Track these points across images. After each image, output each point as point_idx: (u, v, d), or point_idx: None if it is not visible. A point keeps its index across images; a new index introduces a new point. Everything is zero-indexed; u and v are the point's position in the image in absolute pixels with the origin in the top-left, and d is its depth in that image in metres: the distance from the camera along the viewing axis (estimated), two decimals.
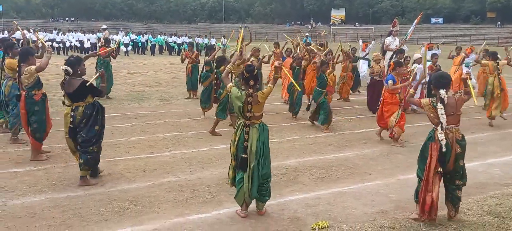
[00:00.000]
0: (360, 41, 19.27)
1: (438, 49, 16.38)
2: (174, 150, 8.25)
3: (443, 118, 5.01)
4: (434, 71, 12.94)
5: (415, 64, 12.33)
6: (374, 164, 7.65)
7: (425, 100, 5.27)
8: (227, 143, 8.41)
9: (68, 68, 6.04)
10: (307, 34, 38.77)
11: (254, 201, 5.41)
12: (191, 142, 8.87)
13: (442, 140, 5.00)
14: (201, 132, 9.69)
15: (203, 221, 5.24)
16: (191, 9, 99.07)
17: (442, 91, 5.04)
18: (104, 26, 27.61)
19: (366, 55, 16.24)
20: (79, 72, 6.14)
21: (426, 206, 5.09)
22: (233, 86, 5.33)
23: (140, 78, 19.13)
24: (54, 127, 8.63)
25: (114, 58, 14.19)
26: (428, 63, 13.38)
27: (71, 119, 6.09)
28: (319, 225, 5.14)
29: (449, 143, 5.07)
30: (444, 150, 5.01)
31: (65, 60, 6.22)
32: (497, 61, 11.36)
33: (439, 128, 5.05)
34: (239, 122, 5.36)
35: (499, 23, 75.35)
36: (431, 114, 5.18)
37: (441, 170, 5.12)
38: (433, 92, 5.29)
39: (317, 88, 10.12)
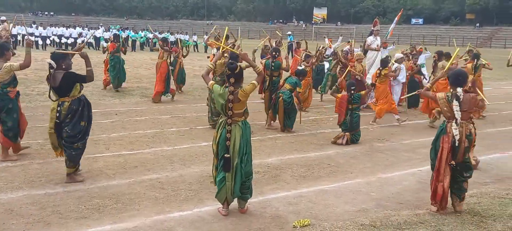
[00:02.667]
0: (326, 39, 19.34)
1: (427, 51, 16.53)
2: (155, 147, 8.18)
3: (458, 114, 5.27)
4: (413, 71, 13.13)
5: (396, 64, 12.43)
6: (355, 163, 7.69)
7: (441, 95, 5.51)
8: (209, 140, 8.40)
9: (52, 62, 5.94)
10: (289, 32, 38.86)
11: (235, 199, 5.38)
12: (172, 139, 8.80)
13: (456, 135, 5.28)
14: (183, 129, 9.62)
15: (184, 218, 5.20)
16: (173, 6, 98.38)
17: (459, 89, 5.31)
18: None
19: (332, 52, 16.38)
20: (63, 66, 6.02)
21: (438, 195, 5.46)
22: (214, 83, 5.30)
23: None
24: (32, 122, 8.49)
25: (124, 53, 14.81)
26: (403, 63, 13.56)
27: (57, 114, 5.99)
28: (300, 223, 5.14)
29: (461, 137, 5.34)
30: (457, 144, 5.30)
31: (51, 53, 6.11)
32: (478, 62, 11.53)
33: (453, 123, 5.31)
34: (220, 120, 5.32)
35: (478, 24, 76.61)
36: (445, 108, 5.43)
37: (454, 162, 5.39)
38: (450, 88, 5.49)
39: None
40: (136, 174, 6.66)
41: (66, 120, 5.99)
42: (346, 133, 8.84)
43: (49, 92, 6.09)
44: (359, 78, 11.83)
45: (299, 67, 10.50)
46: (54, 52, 6.17)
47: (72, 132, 6.00)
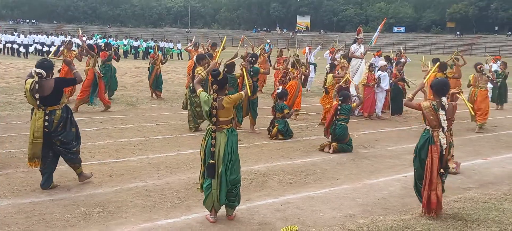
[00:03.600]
0: (307, 48, 19.52)
1: (407, 58, 16.80)
2: (141, 154, 8.14)
3: (445, 123, 5.41)
4: (397, 79, 13.30)
5: (379, 71, 12.59)
6: (341, 169, 7.76)
7: (426, 104, 5.59)
8: (195, 148, 8.43)
9: (42, 71, 5.89)
10: (268, 40, 39.08)
11: (223, 206, 5.39)
12: (158, 146, 8.77)
13: (444, 143, 5.42)
14: (168, 136, 9.60)
15: (172, 226, 5.19)
16: (156, 13, 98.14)
17: (444, 99, 5.46)
18: None
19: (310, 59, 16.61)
20: (50, 76, 6.01)
21: (432, 204, 5.54)
22: (202, 91, 5.32)
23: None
24: (15, 131, 8.40)
25: (117, 61, 15.08)
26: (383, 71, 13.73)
27: (46, 123, 5.92)
28: (288, 229, 5.16)
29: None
30: (444, 152, 5.45)
31: (38, 62, 6.06)
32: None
33: (441, 132, 5.44)
34: (208, 127, 5.33)
35: (458, 32, 77.96)
36: (431, 117, 5.51)
37: (443, 171, 5.53)
38: (433, 97, 5.63)
39: None
40: (123, 182, 6.62)
41: (58, 129, 5.97)
42: (332, 143, 8.85)
43: (34, 102, 6.00)
44: (344, 86, 11.96)
45: (278, 90, 10.50)
46: (43, 60, 6.13)
47: (66, 139, 6.03)
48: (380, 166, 8.08)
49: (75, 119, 6.40)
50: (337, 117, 8.91)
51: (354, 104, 9.58)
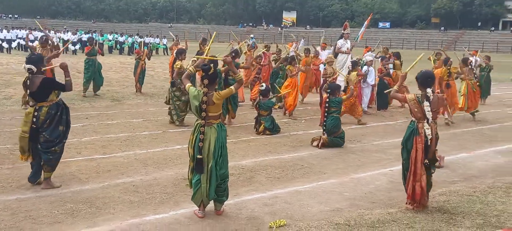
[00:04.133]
0: (294, 43, 19.57)
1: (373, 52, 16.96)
2: (128, 150, 8.10)
3: (429, 114, 5.47)
4: (383, 74, 13.40)
5: (365, 67, 12.67)
6: (328, 163, 7.81)
7: (411, 96, 5.68)
8: (183, 143, 8.42)
9: (32, 66, 5.82)
10: (252, 35, 39.11)
11: (212, 201, 5.40)
12: (145, 142, 8.73)
13: (429, 134, 5.48)
14: (155, 132, 9.56)
15: (160, 221, 5.18)
16: (142, 8, 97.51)
17: (429, 90, 5.52)
18: None
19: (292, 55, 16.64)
20: (42, 70, 5.95)
21: (416, 195, 5.61)
22: (190, 86, 5.30)
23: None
24: (0, 127, 8.29)
25: (102, 54, 14.78)
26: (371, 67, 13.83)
27: (34, 119, 5.86)
28: (276, 223, 5.19)
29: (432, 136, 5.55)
30: (429, 143, 5.51)
31: (27, 57, 5.98)
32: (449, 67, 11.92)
33: (425, 123, 5.49)
34: (196, 123, 5.31)
35: (442, 28, 78.74)
36: (415, 109, 5.59)
37: (427, 161, 5.57)
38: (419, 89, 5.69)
39: None
40: (110, 177, 6.59)
41: (44, 125, 5.89)
42: (323, 137, 8.84)
43: (27, 98, 5.96)
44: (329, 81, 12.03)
45: (261, 87, 10.52)
46: (31, 54, 6.07)
47: (50, 137, 5.91)
48: (366, 160, 8.15)
49: None
50: (327, 110, 8.94)
51: (344, 97, 9.58)
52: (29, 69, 5.82)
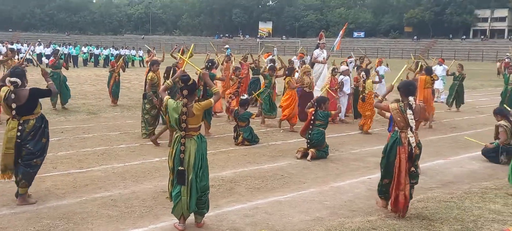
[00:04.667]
0: (274, 50, 19.70)
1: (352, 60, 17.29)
2: (105, 164, 7.99)
3: (412, 122, 5.51)
4: (359, 83, 13.53)
5: (341, 76, 12.80)
6: (307, 173, 7.83)
7: (394, 105, 5.71)
8: (161, 156, 8.35)
9: (17, 79, 5.71)
10: (227, 46, 39.26)
11: (192, 214, 5.35)
12: (122, 155, 8.63)
13: (413, 142, 5.51)
14: (133, 145, 9.46)
15: None
16: (116, 20, 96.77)
17: (411, 98, 5.57)
18: None
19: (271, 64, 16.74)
20: (25, 84, 5.85)
21: (400, 203, 5.64)
22: (169, 98, 5.27)
23: None
24: None
25: (66, 69, 14.87)
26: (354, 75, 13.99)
27: (18, 133, 5.74)
28: None
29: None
30: (414, 151, 5.55)
31: (11, 70, 5.86)
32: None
33: (408, 131, 5.54)
34: (176, 135, 5.27)
35: (415, 37, 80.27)
36: (398, 118, 5.63)
37: (414, 169, 5.62)
38: (401, 98, 5.73)
39: None
40: (87, 192, 6.48)
41: (28, 138, 5.79)
42: (311, 149, 8.71)
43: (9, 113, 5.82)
44: (308, 91, 12.12)
45: (242, 97, 10.55)
46: (15, 68, 5.96)
47: (34, 149, 5.82)
48: (345, 168, 8.21)
49: None
50: (313, 122, 8.81)
51: (333, 112, 9.58)
52: (14, 82, 5.71)
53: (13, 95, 5.71)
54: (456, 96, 15.94)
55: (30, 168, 5.85)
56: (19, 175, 5.84)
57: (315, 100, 9.18)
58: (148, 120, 9.96)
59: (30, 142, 5.81)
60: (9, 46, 33.52)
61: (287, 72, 11.92)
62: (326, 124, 9.04)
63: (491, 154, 8.86)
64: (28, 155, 5.81)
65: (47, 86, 6.11)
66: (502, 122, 8.86)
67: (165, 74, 9.82)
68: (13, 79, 5.71)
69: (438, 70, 17.89)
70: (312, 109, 9.01)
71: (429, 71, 12.81)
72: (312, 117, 8.86)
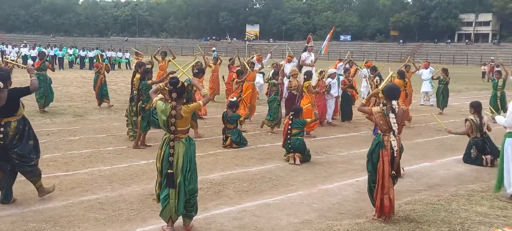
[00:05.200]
0: (254, 55, 19.72)
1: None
2: (92, 167, 7.91)
3: (395, 126, 5.53)
4: (347, 85, 13.61)
5: (329, 79, 12.85)
6: (295, 175, 7.84)
7: (376, 109, 5.72)
8: (148, 159, 8.30)
9: (0, 83, 5.62)
10: (213, 48, 39.27)
11: (180, 217, 5.31)
12: (109, 158, 8.55)
13: (395, 146, 5.52)
14: (120, 147, 9.38)
15: None
16: (103, 22, 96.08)
17: (394, 102, 5.58)
18: None
19: (261, 68, 16.74)
20: (8, 86, 5.77)
21: (385, 207, 5.62)
22: (158, 100, 5.23)
23: None
24: None
25: (53, 70, 14.87)
26: (342, 77, 14.05)
27: (1, 135, 5.66)
28: None
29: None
30: (395, 155, 5.55)
31: None
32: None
33: (391, 135, 5.54)
34: (164, 137, 5.24)
35: (401, 41, 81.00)
36: (381, 122, 5.62)
37: (394, 172, 5.62)
38: (384, 102, 5.73)
39: None
40: (74, 195, 6.41)
41: (14, 142, 5.74)
42: (296, 154, 8.61)
43: None
44: (295, 93, 12.12)
45: (232, 99, 10.54)
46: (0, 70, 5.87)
47: (23, 152, 5.79)
48: (333, 171, 8.23)
49: None
50: (290, 132, 8.69)
51: (308, 120, 9.43)
52: None
53: None
54: (441, 98, 16.16)
55: (28, 167, 5.90)
56: (26, 175, 5.94)
57: (291, 110, 9.12)
58: (135, 122, 9.91)
59: (18, 146, 5.77)
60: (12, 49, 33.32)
61: (305, 76, 11.72)
62: (303, 131, 8.98)
63: (471, 158, 9.00)
64: (23, 158, 5.80)
65: (31, 81, 5.97)
66: (471, 116, 9.05)
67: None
68: None
69: (425, 73, 18.09)
70: (287, 119, 8.95)
71: (402, 75, 12.94)
72: (289, 126, 8.72)
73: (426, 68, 18.39)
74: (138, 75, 9.85)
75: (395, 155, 5.57)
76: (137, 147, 9.31)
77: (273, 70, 13.39)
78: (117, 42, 74.81)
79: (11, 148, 5.74)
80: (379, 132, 5.76)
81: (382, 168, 5.59)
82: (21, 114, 5.87)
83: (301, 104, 11.30)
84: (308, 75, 11.70)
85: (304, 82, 11.61)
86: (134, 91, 9.62)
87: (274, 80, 12.50)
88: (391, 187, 5.65)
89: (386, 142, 5.60)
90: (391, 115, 5.53)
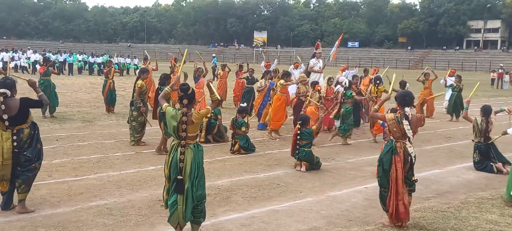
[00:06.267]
0: (263, 62, 19.73)
1: (355, 69, 17.39)
2: (101, 172, 7.93)
3: (410, 133, 5.53)
4: (355, 92, 13.55)
5: (338, 86, 12.82)
6: (304, 182, 7.81)
7: (390, 115, 5.71)
8: (157, 164, 8.31)
9: (6, 90, 5.66)
10: (213, 55, 39.38)
11: (188, 223, 5.30)
12: (118, 163, 8.57)
13: (412, 152, 5.55)
14: (128, 153, 9.40)
15: None
16: (111, 28, 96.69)
17: (407, 109, 5.58)
18: None
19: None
20: (14, 94, 5.82)
21: (400, 214, 5.60)
22: (168, 105, 5.23)
23: (59, 99, 18.20)
24: None
25: (58, 74, 15.15)
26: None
27: (15, 144, 5.70)
28: None
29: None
30: (414, 161, 5.61)
31: (0, 81, 5.81)
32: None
33: (407, 141, 5.56)
34: (173, 143, 5.23)
35: (409, 47, 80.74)
36: (394, 129, 5.61)
37: (417, 179, 5.70)
38: (397, 109, 5.77)
39: None
40: (82, 200, 6.42)
41: (25, 146, 5.79)
42: (303, 162, 8.53)
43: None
44: (304, 100, 12.11)
45: (242, 105, 10.54)
46: (5, 79, 5.90)
47: (31, 155, 5.82)
48: (342, 178, 8.19)
49: None
50: (299, 142, 8.57)
51: (314, 128, 9.20)
52: (3, 93, 5.66)
53: (3, 107, 5.66)
54: (455, 106, 16.03)
55: (30, 172, 5.86)
56: (18, 180, 5.81)
57: (299, 119, 9.00)
58: (136, 127, 10.03)
59: (28, 149, 5.82)
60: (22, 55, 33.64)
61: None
62: (311, 141, 8.79)
63: (481, 166, 8.95)
64: (27, 162, 5.80)
65: (38, 97, 6.04)
66: (479, 118, 9.09)
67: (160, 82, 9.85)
68: (2, 90, 5.66)
69: (449, 81, 17.80)
70: (296, 128, 8.80)
71: (377, 80, 12.85)
72: (297, 137, 8.60)
73: (451, 76, 18.24)
74: (140, 81, 9.91)
75: (414, 161, 5.58)
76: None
77: (286, 71, 13.39)
78: (126, 49, 75.23)
79: (22, 152, 5.77)
80: (391, 137, 5.73)
81: (395, 174, 5.56)
82: (31, 120, 5.92)
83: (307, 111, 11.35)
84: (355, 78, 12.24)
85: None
86: (139, 97, 9.87)
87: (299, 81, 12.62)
88: (405, 193, 5.62)
89: (399, 148, 5.58)
90: (405, 122, 5.52)
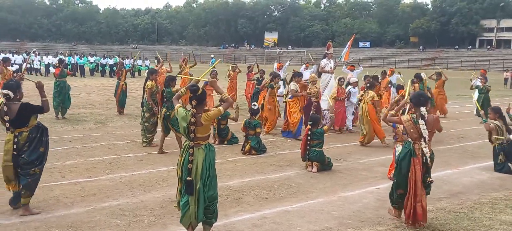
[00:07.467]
0: (275, 63, 19.74)
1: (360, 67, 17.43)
2: (113, 173, 7.99)
3: (425, 133, 5.50)
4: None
5: (349, 87, 12.80)
6: (315, 182, 7.80)
7: (406, 117, 5.70)
8: (169, 165, 8.35)
9: (9, 92, 5.72)
10: (212, 55, 39.42)
11: (201, 223, 5.32)
12: (130, 164, 8.63)
13: (427, 152, 5.51)
14: (140, 154, 9.46)
15: None
16: (123, 30, 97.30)
17: (423, 109, 5.55)
18: None
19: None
20: (18, 97, 5.86)
21: (418, 215, 5.60)
22: (180, 106, 5.26)
23: (72, 101, 18.38)
24: None
25: (73, 75, 14.75)
26: (361, 84, 13.97)
27: (14, 146, 5.76)
28: None
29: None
30: (429, 162, 5.58)
31: (5, 83, 5.89)
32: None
33: (422, 142, 5.53)
34: (185, 144, 5.26)
35: (421, 47, 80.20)
36: (411, 130, 5.59)
37: (433, 180, 5.69)
38: (413, 110, 5.74)
39: None
40: (95, 201, 6.48)
41: (24, 148, 5.80)
42: (314, 162, 8.50)
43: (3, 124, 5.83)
44: (314, 100, 12.09)
45: (254, 107, 10.58)
46: (9, 80, 5.97)
47: (29, 159, 5.81)
48: (353, 178, 8.17)
49: None
50: (309, 142, 8.53)
51: (325, 128, 9.02)
52: (6, 95, 5.71)
53: (6, 108, 5.72)
54: (483, 108, 15.78)
55: (29, 176, 5.82)
56: (20, 185, 5.85)
57: (309, 119, 8.96)
58: (148, 127, 10.12)
59: (26, 152, 5.82)
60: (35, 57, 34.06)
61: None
62: (322, 141, 8.72)
63: (501, 167, 8.85)
64: (26, 165, 5.82)
65: (41, 101, 6.04)
66: (497, 122, 8.92)
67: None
68: (5, 91, 5.72)
69: (476, 82, 17.57)
70: (307, 128, 8.74)
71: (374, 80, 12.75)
72: (308, 137, 8.56)
73: (478, 77, 18.07)
74: (149, 82, 9.97)
75: (429, 162, 5.55)
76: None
77: (296, 72, 13.33)
78: (138, 50, 75.63)
79: (20, 155, 5.80)
80: (409, 139, 5.70)
81: (414, 176, 5.54)
82: (33, 125, 5.89)
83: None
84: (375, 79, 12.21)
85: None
86: (150, 98, 9.96)
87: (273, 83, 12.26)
88: (423, 195, 5.60)
89: (417, 149, 5.56)
90: (421, 122, 5.49)
